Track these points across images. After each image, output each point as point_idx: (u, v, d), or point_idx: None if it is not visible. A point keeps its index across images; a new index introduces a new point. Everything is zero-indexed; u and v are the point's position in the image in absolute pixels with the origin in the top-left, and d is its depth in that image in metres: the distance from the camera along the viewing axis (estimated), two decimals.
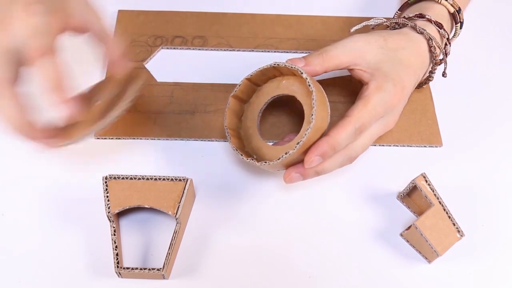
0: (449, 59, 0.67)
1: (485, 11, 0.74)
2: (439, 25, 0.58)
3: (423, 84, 0.63)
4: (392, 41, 0.57)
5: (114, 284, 0.52)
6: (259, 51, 0.69)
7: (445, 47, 0.60)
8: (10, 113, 0.49)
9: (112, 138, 0.61)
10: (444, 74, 0.62)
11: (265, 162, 0.52)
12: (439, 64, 0.60)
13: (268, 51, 0.69)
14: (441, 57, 0.60)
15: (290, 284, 0.52)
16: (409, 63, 0.57)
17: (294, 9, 0.73)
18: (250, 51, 0.69)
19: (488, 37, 0.71)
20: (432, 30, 0.58)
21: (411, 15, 0.59)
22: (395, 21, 0.60)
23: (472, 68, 0.68)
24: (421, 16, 0.59)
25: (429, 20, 0.58)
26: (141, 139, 0.61)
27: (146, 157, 0.60)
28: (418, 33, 0.58)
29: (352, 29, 0.61)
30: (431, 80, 0.63)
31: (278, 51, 0.69)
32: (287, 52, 0.69)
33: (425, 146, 0.61)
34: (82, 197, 0.57)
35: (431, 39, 0.58)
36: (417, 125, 0.63)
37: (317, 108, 0.51)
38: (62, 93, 0.48)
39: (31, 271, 0.52)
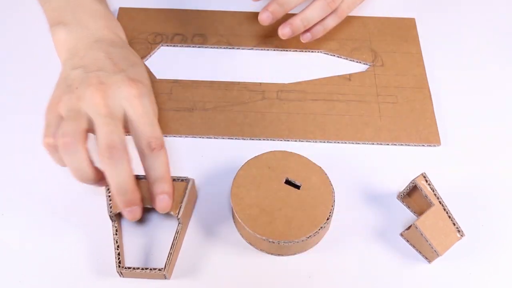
0: (448, 59, 0.67)
1: (485, 11, 0.74)
2: None
3: None
4: None
5: (116, 283, 0.52)
6: (259, 50, 0.69)
7: None
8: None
9: None
10: None
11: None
12: None
13: (268, 50, 0.69)
14: None
15: (290, 284, 0.53)
16: None
17: (294, 8, 0.72)
18: (249, 49, 0.69)
19: (488, 37, 0.72)
20: None
21: None
22: None
23: (471, 67, 0.68)
24: None
25: None
26: None
27: None
28: None
29: None
30: None
31: (277, 50, 0.69)
32: (287, 50, 0.69)
33: (423, 145, 0.62)
34: (83, 196, 0.57)
35: None
36: (416, 124, 0.63)
37: None
38: (167, 185, 0.50)
39: (31, 271, 0.52)
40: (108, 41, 0.56)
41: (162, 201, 0.50)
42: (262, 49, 0.69)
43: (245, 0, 0.73)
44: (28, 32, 0.70)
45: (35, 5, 0.62)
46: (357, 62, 0.68)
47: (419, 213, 0.56)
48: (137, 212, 0.50)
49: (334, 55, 0.69)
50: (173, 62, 0.67)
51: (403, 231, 0.55)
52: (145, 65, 0.59)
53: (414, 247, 0.55)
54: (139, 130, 0.50)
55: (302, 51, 0.69)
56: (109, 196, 0.52)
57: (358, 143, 0.61)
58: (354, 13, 0.72)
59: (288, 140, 0.61)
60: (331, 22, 0.65)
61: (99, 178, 0.50)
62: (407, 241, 0.55)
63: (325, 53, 0.69)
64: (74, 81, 0.51)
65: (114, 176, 0.48)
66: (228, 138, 0.61)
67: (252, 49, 0.69)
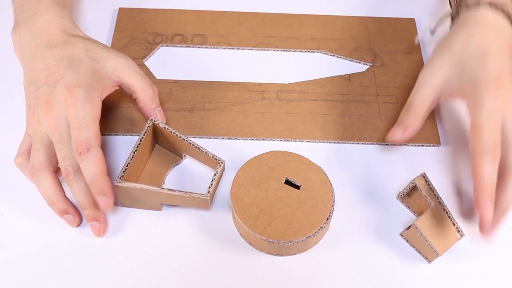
0: None
1: None
2: None
3: None
4: (456, 43, 0.55)
5: (113, 283, 0.52)
6: (259, 50, 0.69)
7: None
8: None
9: (110, 135, 0.61)
10: None
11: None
12: None
13: (268, 50, 0.69)
14: None
15: (290, 284, 0.52)
16: (485, 50, 0.53)
17: (294, 8, 0.72)
18: (249, 49, 0.69)
19: None
20: None
21: None
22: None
23: None
24: None
25: None
26: (139, 135, 0.61)
27: None
28: (474, 7, 0.56)
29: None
30: None
31: (277, 50, 0.69)
32: (287, 51, 0.69)
33: (423, 145, 0.62)
34: None
35: (493, 4, 0.55)
36: None
37: None
38: (101, 185, 0.51)
39: (31, 271, 0.52)
40: (46, 43, 0.56)
41: (101, 202, 0.51)
42: (262, 49, 0.69)
43: (245, 0, 0.73)
44: None
45: None
46: (357, 62, 0.68)
47: (418, 213, 0.56)
48: (72, 219, 0.54)
49: (334, 55, 0.69)
50: (173, 62, 0.67)
51: (403, 231, 0.55)
52: (89, 40, 0.58)
53: (414, 247, 0.54)
54: (72, 135, 0.52)
55: (302, 51, 0.69)
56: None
57: (358, 143, 0.61)
58: (354, 13, 0.73)
59: (288, 140, 0.61)
60: None
61: (73, 210, 0.54)
62: (407, 241, 0.55)
63: (325, 53, 0.69)
64: (31, 100, 0.55)
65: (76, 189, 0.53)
66: (228, 138, 0.61)
67: (252, 49, 0.69)
